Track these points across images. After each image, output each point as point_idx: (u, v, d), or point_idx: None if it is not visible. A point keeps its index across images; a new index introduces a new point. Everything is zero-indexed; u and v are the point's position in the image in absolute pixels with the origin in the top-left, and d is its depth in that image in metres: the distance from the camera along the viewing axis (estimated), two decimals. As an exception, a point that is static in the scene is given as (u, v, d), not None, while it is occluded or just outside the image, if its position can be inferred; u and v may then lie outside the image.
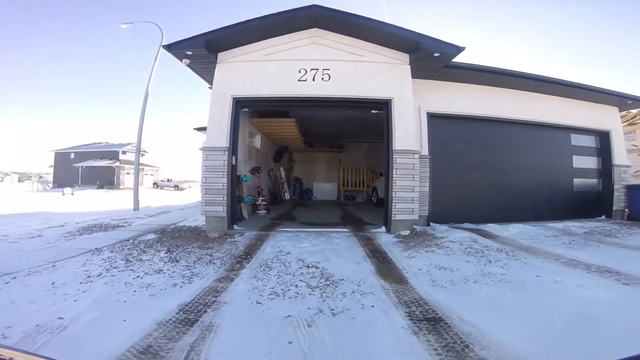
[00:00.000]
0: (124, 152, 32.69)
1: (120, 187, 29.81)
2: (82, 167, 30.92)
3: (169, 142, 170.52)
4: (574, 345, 1.55)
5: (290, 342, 1.58)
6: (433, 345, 1.54)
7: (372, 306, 2.04)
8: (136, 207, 9.44)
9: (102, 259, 3.10)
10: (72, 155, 32.55)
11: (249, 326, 1.77)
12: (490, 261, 3.07)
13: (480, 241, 3.86)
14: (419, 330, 1.70)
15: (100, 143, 35.08)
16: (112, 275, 2.62)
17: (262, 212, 6.45)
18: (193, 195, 19.42)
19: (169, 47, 4.51)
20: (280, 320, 1.82)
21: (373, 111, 5.80)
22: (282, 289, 2.33)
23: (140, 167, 36.70)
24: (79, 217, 6.85)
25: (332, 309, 1.99)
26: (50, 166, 34.42)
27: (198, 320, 1.81)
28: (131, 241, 3.96)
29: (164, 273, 2.70)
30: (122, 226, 5.34)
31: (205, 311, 1.94)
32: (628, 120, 9.01)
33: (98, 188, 27.94)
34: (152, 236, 4.31)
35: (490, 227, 4.84)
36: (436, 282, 2.49)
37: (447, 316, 1.88)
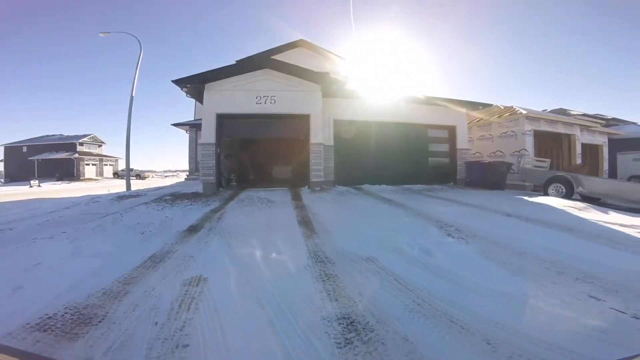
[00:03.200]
0: (81, 144, 32.96)
1: (81, 178, 30.40)
2: (38, 160, 30.81)
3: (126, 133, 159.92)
4: (358, 224, 5.20)
5: (251, 215, 5.04)
6: (310, 241, 5.10)
7: (286, 208, 5.56)
8: (129, 187, 12.05)
9: (155, 206, 6.22)
10: (25, 149, 32.09)
11: (237, 213, 5.17)
12: (346, 197, 6.77)
13: (350, 190, 7.60)
14: (303, 222, 5.19)
15: (54, 135, 34.69)
16: (169, 208, 5.82)
17: (234, 184, 9.71)
18: (161, 182, 21.33)
19: (177, 81, 7.54)
20: (250, 212, 5.24)
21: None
22: (250, 204, 5.75)
23: (99, 157, 37.11)
24: (95, 195, 9.51)
25: (270, 207, 5.47)
26: (0, 160, 33.45)
27: (218, 212, 5.17)
28: (159, 200, 7.04)
29: (192, 206, 5.93)
30: (143, 195, 8.30)
31: (217, 213, 5.29)
32: (482, 119, 13.49)
33: (57, 180, 28.38)
34: (169, 198, 7.40)
35: (365, 186, 8.62)
36: (314, 202, 6.06)
37: (319, 221, 5.46)
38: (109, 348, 1.54)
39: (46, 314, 1.82)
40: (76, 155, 30.94)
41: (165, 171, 71.71)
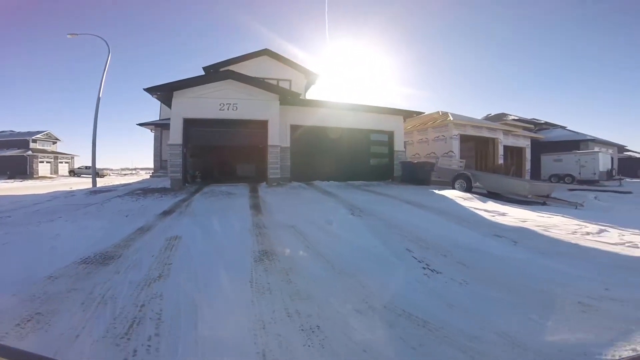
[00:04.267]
0: (34, 141, 31.46)
1: (34, 176, 29.09)
2: (-16, 156, 28.95)
3: (85, 132, 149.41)
4: (295, 208, 6.64)
5: (213, 203, 6.32)
6: (256, 219, 6.47)
7: (243, 198, 6.90)
8: (95, 184, 12.59)
9: (129, 198, 7.26)
10: (-31, 146, 29.98)
11: (202, 201, 6.42)
12: (296, 190, 8.22)
13: (302, 185, 9.07)
14: (254, 207, 6.55)
15: (4, 132, 32.64)
16: (143, 199, 6.92)
17: (199, 180, 10.79)
18: (122, 179, 21.41)
19: (149, 89, 8.54)
20: (213, 201, 6.51)
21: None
22: (213, 196, 7.01)
23: (54, 155, 35.64)
24: (67, 191, 10.14)
25: (229, 197, 6.77)
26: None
27: (186, 202, 6.39)
28: (131, 193, 8.03)
29: (163, 198, 7.06)
30: (114, 190, 9.17)
31: (186, 202, 6.50)
32: (419, 125, 15.60)
33: (8, 178, 27.01)
34: (139, 192, 8.40)
35: (316, 182, 10.12)
36: (268, 194, 7.44)
37: (267, 207, 6.84)
38: (127, 267, 2.85)
39: (82, 257, 3.06)
40: (29, 152, 29.52)
41: (122, 169, 68.81)
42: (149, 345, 1.64)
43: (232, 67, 13.01)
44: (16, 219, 4.88)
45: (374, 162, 12.40)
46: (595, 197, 9.07)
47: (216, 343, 1.69)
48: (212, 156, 13.13)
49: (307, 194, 7.65)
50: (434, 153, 14.03)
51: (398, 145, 12.79)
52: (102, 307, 2.04)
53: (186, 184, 9.17)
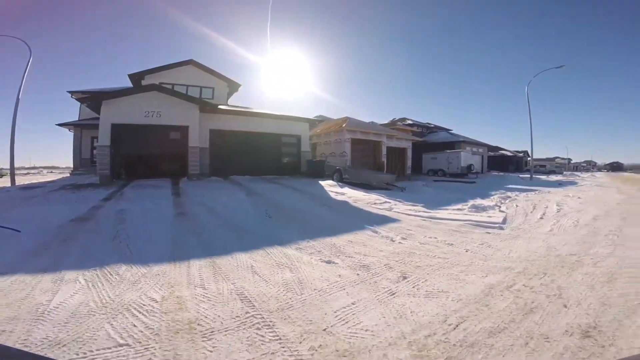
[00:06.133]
0: None
1: None
2: None
3: None
4: (207, 193, 9.05)
5: (142, 192, 8.41)
6: (176, 200, 8.72)
7: (167, 189, 9.05)
8: (13, 183, 12.89)
9: (66, 191, 8.76)
10: None
11: (133, 191, 8.42)
12: (212, 183, 10.58)
13: (219, 179, 11.45)
14: (175, 193, 8.77)
15: None
16: (80, 192, 8.56)
17: (124, 177, 12.25)
18: (27, 179, 20.64)
19: (80, 100, 9.91)
20: (141, 190, 8.55)
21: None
22: (141, 187, 9.00)
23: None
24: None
25: (155, 188, 8.86)
26: None
27: (119, 192, 8.32)
28: (63, 188, 9.41)
29: (97, 190, 8.77)
30: (44, 187, 10.25)
31: (119, 192, 8.43)
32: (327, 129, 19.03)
33: None
34: (70, 187, 9.78)
35: (233, 177, 12.55)
36: (187, 186, 9.68)
37: (186, 193, 9.11)
38: (100, 221, 5.10)
39: (70, 219, 5.15)
40: None
41: (18, 168, 59.74)
42: (126, 240, 4.12)
43: (158, 75, 14.62)
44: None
45: (285, 160, 15.29)
46: (424, 184, 13.46)
47: (152, 239, 4.24)
48: (138, 155, 14.49)
49: (220, 185, 10.11)
50: (333, 153, 17.54)
51: (304, 147, 15.89)
52: (98, 233, 4.40)
53: (114, 180, 10.75)
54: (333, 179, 12.37)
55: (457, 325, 2.13)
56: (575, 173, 47.69)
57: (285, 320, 2.20)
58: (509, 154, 42.33)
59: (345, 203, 7.82)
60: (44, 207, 6.13)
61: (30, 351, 1.64)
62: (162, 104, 11.27)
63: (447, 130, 37.83)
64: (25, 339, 1.91)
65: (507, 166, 38.02)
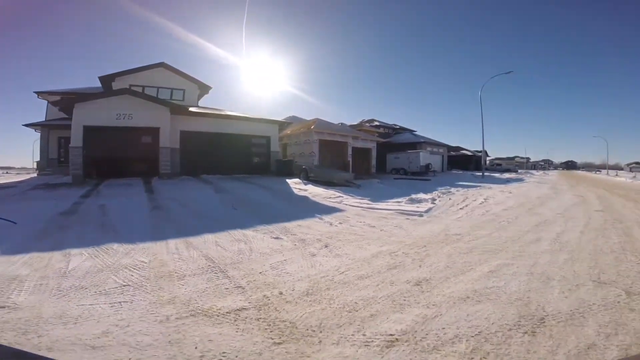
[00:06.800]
0: None
1: None
2: None
3: None
4: (178, 191, 9.89)
5: (117, 190, 9.14)
6: (150, 196, 9.51)
7: (139, 187, 9.79)
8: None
9: (42, 190, 9.26)
10: None
11: (107, 189, 9.12)
12: (183, 182, 11.39)
13: (190, 178, 12.25)
14: (148, 190, 9.54)
15: None
16: (56, 190, 9.12)
17: (95, 177, 12.71)
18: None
19: (53, 103, 10.33)
20: (116, 188, 9.27)
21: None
22: (115, 186, 9.68)
23: None
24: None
25: (128, 186, 9.59)
26: None
27: (95, 190, 8.99)
28: (37, 187, 9.84)
29: (72, 188, 9.35)
30: (16, 186, 10.58)
31: (94, 190, 9.10)
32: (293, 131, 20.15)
33: None
34: (43, 186, 10.22)
35: (204, 176, 13.35)
36: (159, 184, 10.45)
37: (158, 190, 9.89)
38: (85, 214, 5.93)
39: (58, 212, 5.93)
40: None
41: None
42: (113, 228, 5.05)
43: (129, 77, 15.04)
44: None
45: (256, 160, 16.24)
46: (379, 182, 15.00)
47: (134, 226, 5.20)
48: (110, 156, 14.88)
49: (191, 183, 10.96)
50: (303, 153, 18.72)
51: (274, 147, 16.90)
52: (87, 223, 5.28)
53: (87, 179, 11.26)
54: (300, 178, 13.53)
55: (343, 272, 3.38)
56: (531, 171, 52.09)
57: (235, 269, 3.36)
58: (469, 153, 45.49)
59: (305, 198, 9.03)
60: (28, 203, 6.81)
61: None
62: (133, 106, 11.88)
63: (411, 131, 40.21)
64: (58, 287, 2.91)
65: (467, 165, 40.94)
